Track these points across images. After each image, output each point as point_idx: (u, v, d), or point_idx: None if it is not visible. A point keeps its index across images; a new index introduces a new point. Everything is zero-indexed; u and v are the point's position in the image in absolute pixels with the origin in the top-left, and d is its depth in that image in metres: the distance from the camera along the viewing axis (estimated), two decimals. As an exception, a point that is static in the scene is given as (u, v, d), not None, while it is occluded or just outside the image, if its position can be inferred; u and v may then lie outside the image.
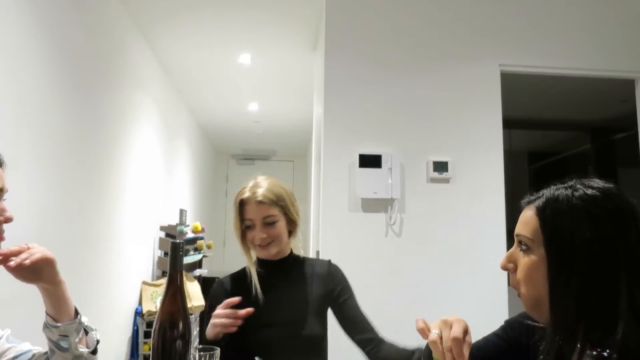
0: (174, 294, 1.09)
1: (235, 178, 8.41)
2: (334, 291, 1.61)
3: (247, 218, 1.56)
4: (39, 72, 2.30)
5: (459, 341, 0.87)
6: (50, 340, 1.06)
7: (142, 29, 3.82)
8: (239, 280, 1.63)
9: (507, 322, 1.14)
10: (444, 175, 2.89)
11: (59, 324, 1.04)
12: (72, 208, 2.70)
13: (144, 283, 4.14)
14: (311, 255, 4.16)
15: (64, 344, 1.05)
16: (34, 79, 2.26)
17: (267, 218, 1.56)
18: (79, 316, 1.06)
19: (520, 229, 0.94)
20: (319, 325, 1.58)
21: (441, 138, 2.96)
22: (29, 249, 1.02)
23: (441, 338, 0.89)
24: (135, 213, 3.90)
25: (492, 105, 3.00)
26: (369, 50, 2.99)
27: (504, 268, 0.98)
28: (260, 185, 1.58)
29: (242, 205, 1.56)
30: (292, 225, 1.63)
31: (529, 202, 0.94)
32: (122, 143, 3.54)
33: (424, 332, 0.93)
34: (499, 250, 2.86)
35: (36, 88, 2.28)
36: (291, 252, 1.67)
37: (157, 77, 4.49)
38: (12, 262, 0.98)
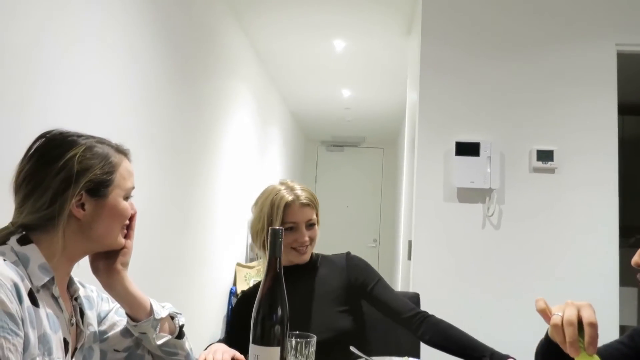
0: (273, 279, 1.10)
1: (324, 165, 8.48)
2: (357, 282, 1.61)
3: (291, 221, 1.56)
4: (148, 60, 2.42)
5: (595, 326, 0.81)
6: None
7: (237, 15, 3.91)
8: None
9: (635, 330, 1.04)
10: (549, 165, 2.70)
11: (135, 324, 1.07)
12: (176, 193, 2.84)
13: (238, 264, 4.30)
14: (401, 245, 4.10)
15: (144, 339, 1.09)
16: (145, 68, 2.38)
17: (309, 221, 1.59)
18: (153, 313, 1.08)
19: None
20: (346, 319, 1.57)
21: (546, 125, 2.76)
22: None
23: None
24: (230, 196, 4.04)
25: (606, 89, 2.75)
26: (467, 33, 2.85)
27: (638, 265, 0.89)
28: (297, 188, 1.60)
29: (285, 208, 1.55)
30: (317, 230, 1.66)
31: None
32: (219, 128, 3.66)
33: (545, 313, 0.87)
34: (610, 247, 2.63)
35: (147, 76, 2.41)
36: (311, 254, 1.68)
37: (251, 63, 4.60)
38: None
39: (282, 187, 1.60)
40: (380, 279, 1.63)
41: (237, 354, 1.30)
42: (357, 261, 1.67)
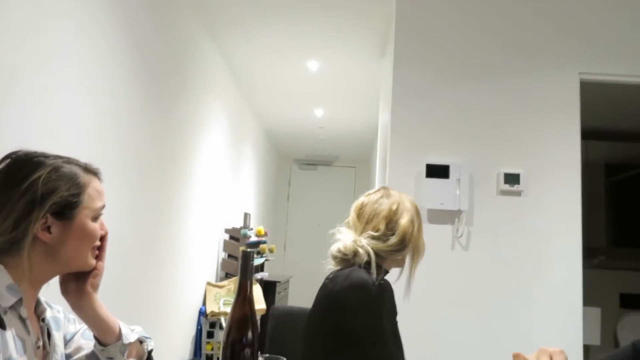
0: (244, 302, 1.09)
1: (297, 183, 8.48)
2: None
3: None
4: (121, 78, 2.41)
5: None
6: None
7: (212, 34, 3.93)
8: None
9: (634, 343, 1.03)
10: (516, 187, 2.77)
11: (102, 348, 1.05)
12: (144, 208, 2.81)
13: (209, 284, 4.25)
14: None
15: None
16: (118, 86, 2.37)
17: None
18: (122, 338, 1.06)
19: None
20: None
21: (513, 149, 2.84)
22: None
23: None
24: (201, 215, 4.01)
25: (569, 115, 2.85)
26: (438, 57, 2.93)
27: None
28: None
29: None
30: None
31: None
32: (192, 146, 3.65)
33: None
34: (574, 267, 2.71)
35: (119, 95, 2.39)
36: None
37: (225, 81, 4.61)
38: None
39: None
40: None
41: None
42: None
